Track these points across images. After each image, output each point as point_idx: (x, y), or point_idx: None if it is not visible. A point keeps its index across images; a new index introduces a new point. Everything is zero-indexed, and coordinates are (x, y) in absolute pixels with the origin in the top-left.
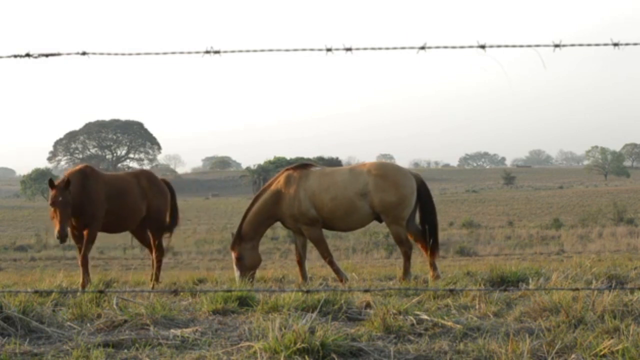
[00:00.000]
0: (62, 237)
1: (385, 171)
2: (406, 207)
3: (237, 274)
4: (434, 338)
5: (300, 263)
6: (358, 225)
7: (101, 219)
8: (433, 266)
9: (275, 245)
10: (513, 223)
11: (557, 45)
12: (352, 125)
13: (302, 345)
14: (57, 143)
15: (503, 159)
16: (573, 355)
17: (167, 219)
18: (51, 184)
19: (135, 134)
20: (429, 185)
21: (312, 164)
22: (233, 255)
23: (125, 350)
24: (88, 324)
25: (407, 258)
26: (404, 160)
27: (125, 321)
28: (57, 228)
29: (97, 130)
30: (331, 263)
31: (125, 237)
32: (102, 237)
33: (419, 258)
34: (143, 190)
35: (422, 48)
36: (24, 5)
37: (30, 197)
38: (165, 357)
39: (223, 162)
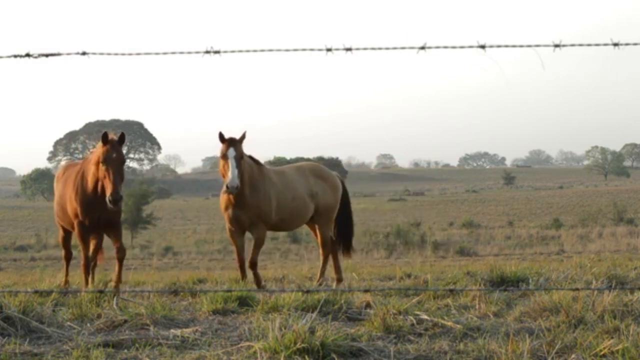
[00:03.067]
0: (118, 199)
1: (323, 173)
2: (337, 209)
3: None
4: (434, 338)
5: (243, 266)
6: (299, 226)
7: None
8: (338, 269)
9: (276, 246)
10: (513, 223)
11: (557, 45)
12: (352, 125)
13: (302, 345)
14: (57, 143)
15: (503, 159)
16: (573, 355)
17: None
18: (105, 137)
19: (135, 134)
20: (429, 185)
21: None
22: None
23: (125, 350)
24: (88, 324)
25: (327, 260)
26: (404, 160)
27: (125, 321)
28: (110, 189)
29: (97, 130)
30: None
31: (125, 237)
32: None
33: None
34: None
35: (422, 48)
36: (24, 5)
37: (30, 197)
38: (165, 357)
39: None
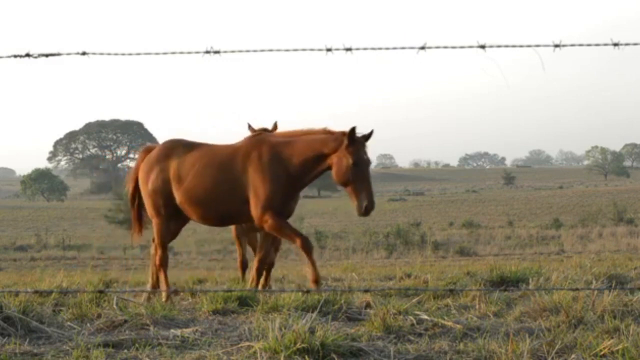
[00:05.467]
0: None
1: None
2: None
3: None
4: (434, 338)
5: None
6: None
7: None
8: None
9: None
10: (513, 223)
11: (557, 45)
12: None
13: (302, 345)
14: (57, 143)
15: (503, 159)
16: (573, 355)
17: None
18: (352, 134)
19: (135, 134)
20: (429, 185)
21: None
22: None
23: (125, 350)
24: (88, 324)
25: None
26: (404, 160)
27: (125, 321)
28: (366, 200)
29: (97, 130)
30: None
31: (125, 237)
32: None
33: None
34: None
35: (422, 48)
36: (24, 5)
37: (30, 197)
38: (165, 357)
39: None
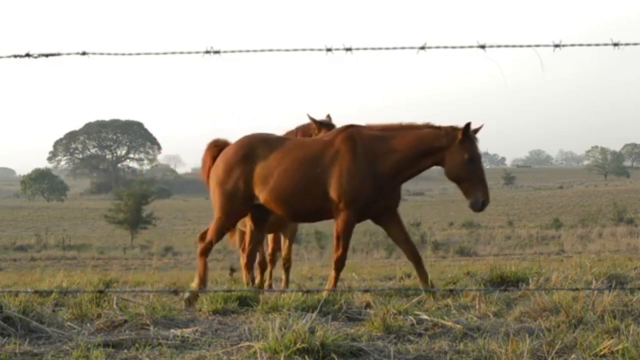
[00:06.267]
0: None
1: None
2: None
3: None
4: (434, 338)
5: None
6: None
7: None
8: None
9: None
10: (513, 223)
11: (557, 45)
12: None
13: (302, 345)
14: (57, 143)
15: (503, 159)
16: (573, 355)
17: None
18: (467, 129)
19: (135, 134)
20: (429, 185)
21: None
22: None
23: (125, 350)
24: (88, 324)
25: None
26: None
27: (125, 321)
28: (483, 196)
29: (97, 130)
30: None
31: (125, 237)
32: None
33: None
34: None
35: (422, 48)
36: (24, 5)
37: (30, 197)
38: (165, 357)
39: None
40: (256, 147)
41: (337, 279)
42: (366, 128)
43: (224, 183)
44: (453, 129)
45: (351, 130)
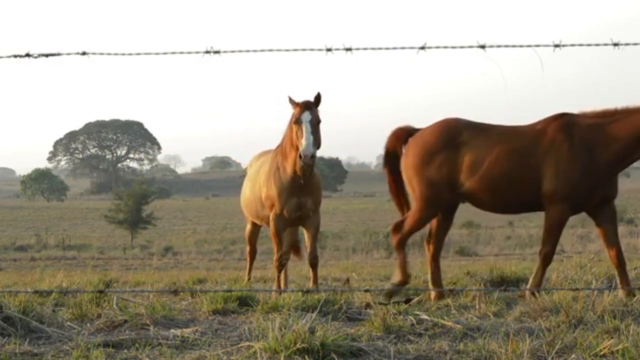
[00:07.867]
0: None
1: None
2: None
3: None
4: (434, 338)
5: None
6: None
7: None
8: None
9: None
10: (513, 223)
11: (557, 45)
12: (352, 125)
13: (302, 345)
14: (57, 143)
15: None
16: (573, 355)
17: None
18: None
19: (135, 134)
20: None
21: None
22: None
23: (125, 350)
24: (88, 324)
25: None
26: None
27: (125, 321)
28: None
29: (97, 130)
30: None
31: (125, 237)
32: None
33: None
34: None
35: (422, 48)
36: (24, 5)
37: (30, 197)
38: (165, 357)
39: (223, 162)
40: (461, 131)
41: (542, 276)
42: (579, 116)
43: (424, 171)
44: None
45: (566, 118)
